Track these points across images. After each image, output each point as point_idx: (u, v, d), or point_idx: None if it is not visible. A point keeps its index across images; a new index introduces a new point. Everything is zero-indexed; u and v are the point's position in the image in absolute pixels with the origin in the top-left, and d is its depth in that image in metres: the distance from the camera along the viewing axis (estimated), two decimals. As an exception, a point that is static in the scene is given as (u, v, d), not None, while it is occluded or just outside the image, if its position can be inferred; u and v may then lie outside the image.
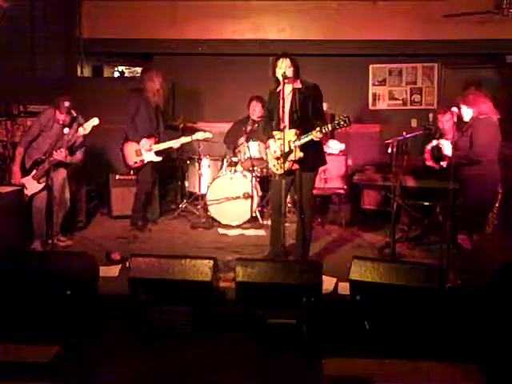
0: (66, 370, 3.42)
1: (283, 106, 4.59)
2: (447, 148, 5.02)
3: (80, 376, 3.39)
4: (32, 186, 5.41)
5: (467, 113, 4.99)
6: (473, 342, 3.61)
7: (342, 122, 4.51)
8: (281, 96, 4.65)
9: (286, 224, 4.78)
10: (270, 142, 4.85)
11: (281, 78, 4.61)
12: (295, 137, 4.66)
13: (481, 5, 7.27)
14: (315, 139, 4.60)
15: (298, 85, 4.76)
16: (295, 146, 4.63)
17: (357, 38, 7.72)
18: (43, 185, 5.38)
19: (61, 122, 5.33)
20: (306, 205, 4.86)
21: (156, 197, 6.84)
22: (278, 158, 4.80)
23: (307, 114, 4.72)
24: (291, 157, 4.68)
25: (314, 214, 5.04)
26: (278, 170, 4.88)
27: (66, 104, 5.29)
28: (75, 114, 5.43)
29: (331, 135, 7.19)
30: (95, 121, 5.33)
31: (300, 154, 4.65)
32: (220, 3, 7.81)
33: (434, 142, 5.24)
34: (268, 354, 3.67)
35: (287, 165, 4.69)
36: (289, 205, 6.36)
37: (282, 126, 4.64)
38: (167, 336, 3.84)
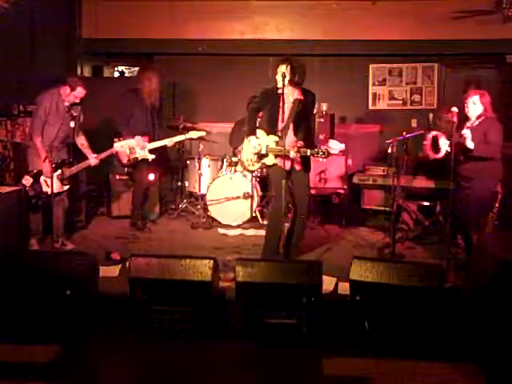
0: (66, 369, 3.43)
1: (283, 111, 4.66)
2: (443, 140, 5.00)
3: (80, 376, 3.39)
4: (55, 184, 5.19)
5: (476, 109, 4.93)
6: (473, 342, 3.61)
7: (320, 153, 4.58)
8: (281, 99, 4.68)
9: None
10: (252, 138, 4.87)
11: (280, 80, 4.65)
12: (275, 144, 4.79)
13: (481, 5, 7.27)
14: (293, 156, 4.69)
15: (300, 95, 4.79)
16: (296, 151, 4.67)
17: (357, 37, 7.71)
18: (67, 187, 5.36)
19: (77, 100, 5.34)
20: (299, 203, 4.89)
21: (156, 197, 6.85)
22: (255, 154, 4.90)
23: (302, 124, 4.80)
24: (292, 154, 4.71)
25: (308, 213, 5.08)
26: (249, 165, 5.04)
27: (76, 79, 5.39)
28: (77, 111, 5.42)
29: (331, 135, 7.19)
30: (133, 142, 5.62)
31: (295, 155, 4.68)
32: (220, 3, 7.81)
33: (431, 134, 5.22)
34: (268, 354, 3.67)
35: (258, 165, 4.97)
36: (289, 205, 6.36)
37: (280, 129, 4.76)
38: (167, 336, 3.84)
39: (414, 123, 7.89)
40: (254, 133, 4.88)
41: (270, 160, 4.86)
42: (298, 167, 4.83)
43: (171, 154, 7.31)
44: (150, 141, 6.22)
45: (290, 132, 4.80)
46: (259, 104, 4.96)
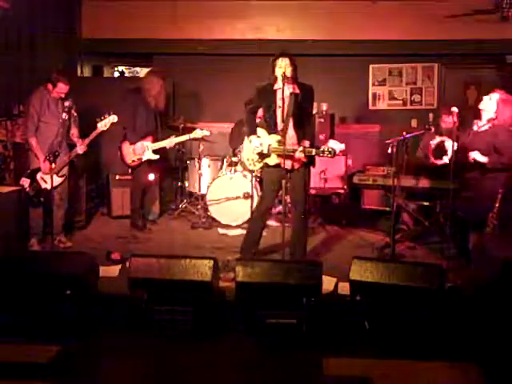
0: (65, 369, 3.43)
1: (282, 108, 4.60)
2: (450, 145, 4.97)
3: (80, 376, 3.39)
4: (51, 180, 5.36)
5: (489, 106, 4.83)
6: (473, 342, 3.61)
7: (326, 153, 4.56)
8: (277, 96, 4.68)
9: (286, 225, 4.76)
10: (252, 137, 4.84)
11: (280, 78, 4.61)
12: (277, 144, 4.74)
13: (481, 5, 7.28)
14: (298, 156, 4.67)
15: (296, 89, 4.75)
16: (297, 150, 4.64)
17: (357, 37, 7.72)
18: (62, 178, 5.35)
19: (61, 95, 5.34)
20: (297, 203, 4.88)
21: (156, 197, 6.85)
22: (258, 155, 4.86)
23: (301, 118, 4.75)
24: (297, 154, 4.67)
25: (306, 212, 5.05)
26: (250, 165, 5.01)
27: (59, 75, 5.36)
28: (68, 104, 5.42)
29: (331, 135, 7.19)
30: (114, 118, 5.42)
31: (301, 155, 4.66)
32: (220, 3, 7.82)
33: (437, 139, 5.19)
34: (268, 354, 3.67)
35: (260, 165, 4.91)
36: (289, 205, 6.35)
37: (280, 128, 4.71)
38: (167, 336, 3.84)
39: (414, 123, 7.90)
40: (254, 132, 4.86)
41: (272, 160, 4.81)
42: (296, 165, 4.82)
43: (171, 155, 7.31)
44: (154, 141, 6.23)
45: (290, 128, 4.74)
46: (256, 103, 4.92)
